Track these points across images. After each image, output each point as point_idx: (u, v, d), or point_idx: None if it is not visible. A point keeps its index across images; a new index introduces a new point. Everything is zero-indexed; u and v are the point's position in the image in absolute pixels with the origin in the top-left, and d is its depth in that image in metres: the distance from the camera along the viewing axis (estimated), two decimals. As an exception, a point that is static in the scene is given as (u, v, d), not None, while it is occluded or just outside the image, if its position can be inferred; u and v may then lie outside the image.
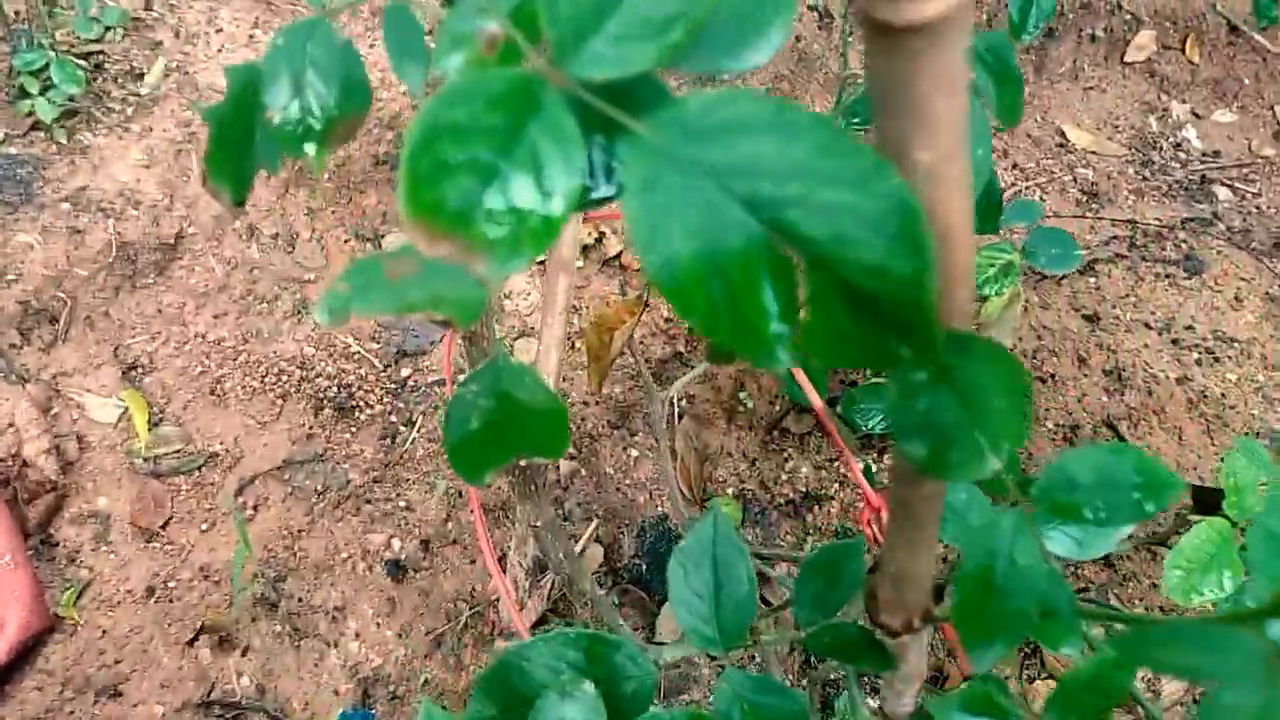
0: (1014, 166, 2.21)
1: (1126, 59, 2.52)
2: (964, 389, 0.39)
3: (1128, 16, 2.55)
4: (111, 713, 1.23)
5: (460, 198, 0.31)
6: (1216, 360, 1.58)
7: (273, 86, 0.47)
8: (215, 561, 1.46)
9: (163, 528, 1.50)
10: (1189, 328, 1.64)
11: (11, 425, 1.55)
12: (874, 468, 1.37)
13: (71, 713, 1.22)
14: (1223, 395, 1.53)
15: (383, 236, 1.91)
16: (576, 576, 1.06)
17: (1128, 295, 1.69)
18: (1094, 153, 2.32)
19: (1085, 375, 1.55)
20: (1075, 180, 2.21)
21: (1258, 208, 2.28)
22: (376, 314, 0.49)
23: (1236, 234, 2.15)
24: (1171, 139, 2.43)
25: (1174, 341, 1.62)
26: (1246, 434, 1.63)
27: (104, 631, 1.35)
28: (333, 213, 1.88)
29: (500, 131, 0.32)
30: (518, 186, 0.32)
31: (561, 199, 0.32)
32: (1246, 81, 2.56)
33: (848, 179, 0.30)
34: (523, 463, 0.95)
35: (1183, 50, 2.57)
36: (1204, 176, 2.35)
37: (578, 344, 1.67)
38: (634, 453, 1.53)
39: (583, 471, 1.47)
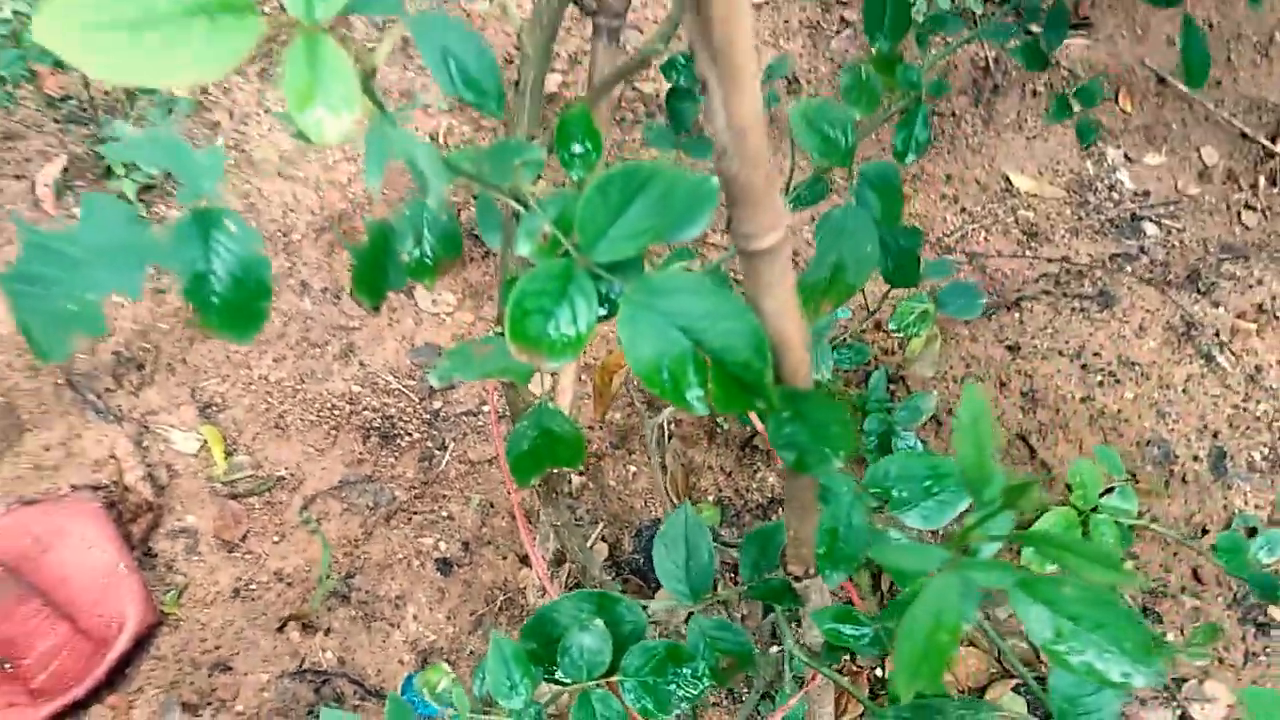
0: (962, 210, 2.52)
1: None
2: (810, 422, 0.69)
3: (1065, 72, 2.86)
4: (226, 681, 1.52)
5: (538, 328, 0.61)
6: (1118, 381, 1.87)
7: (404, 239, 0.78)
8: (287, 567, 1.76)
9: (242, 540, 1.79)
10: (1096, 354, 1.94)
11: (113, 457, 1.85)
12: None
13: (193, 683, 1.51)
14: (1119, 411, 1.82)
15: (413, 288, 2.22)
16: (588, 565, 1.35)
17: (1046, 327, 1.99)
18: (1035, 195, 2.62)
19: (1005, 397, 1.84)
20: (1017, 221, 2.52)
21: (1181, 241, 2.59)
22: (470, 379, 0.79)
23: (1159, 266, 2.45)
24: (1106, 181, 2.74)
25: (1083, 366, 1.91)
26: (1105, 445, 1.93)
27: (202, 624, 1.64)
28: (371, 268, 2.19)
29: (554, 292, 0.62)
30: (564, 321, 0.62)
31: (585, 326, 0.62)
32: (1174, 127, 2.87)
33: (730, 316, 0.60)
34: (551, 472, 1.25)
35: (1116, 100, 2.88)
36: (1134, 214, 2.66)
37: (583, 377, 1.97)
38: (632, 468, 1.83)
39: (590, 484, 1.76)
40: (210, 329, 0.60)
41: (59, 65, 1.93)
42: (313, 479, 1.89)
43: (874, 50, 1.07)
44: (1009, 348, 1.94)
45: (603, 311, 0.65)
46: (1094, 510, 1.19)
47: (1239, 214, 2.70)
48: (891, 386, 1.82)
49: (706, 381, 0.60)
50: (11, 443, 1.82)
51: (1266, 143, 2.85)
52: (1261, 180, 2.78)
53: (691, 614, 1.00)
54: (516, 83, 0.97)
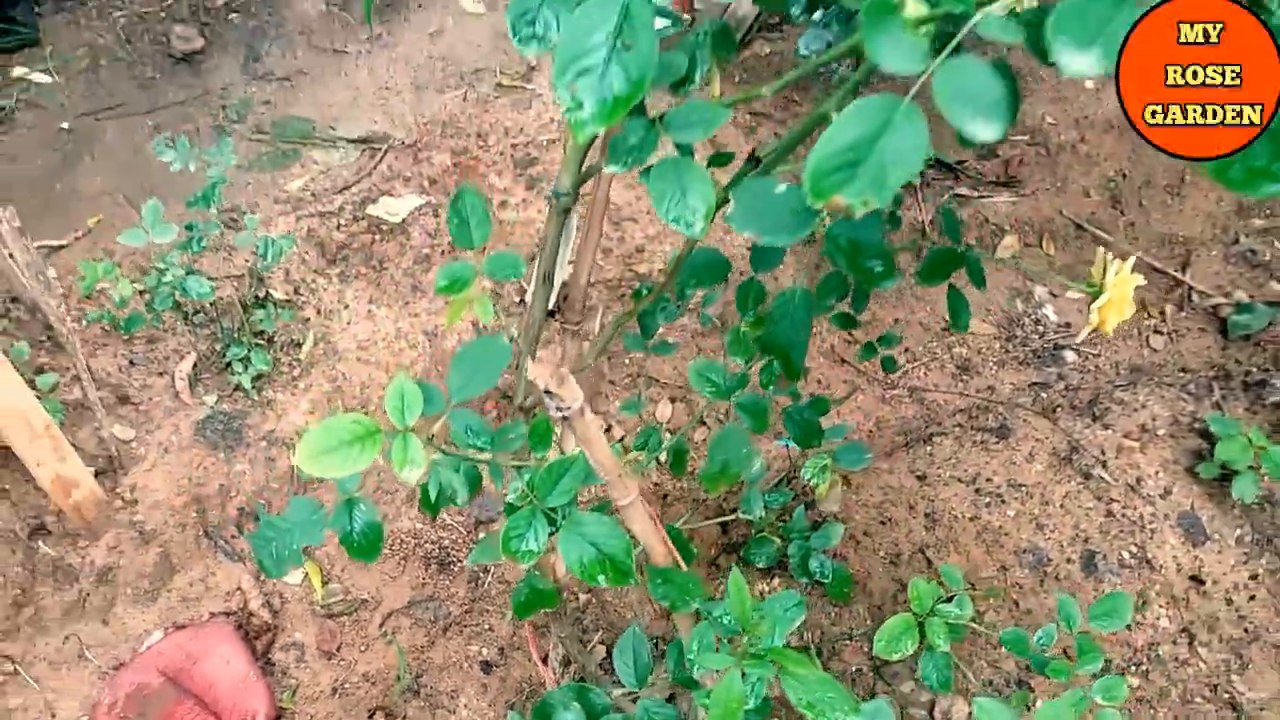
0: (905, 350, 3.06)
1: (997, 257, 3.37)
2: (674, 584, 1.25)
3: (994, 227, 3.43)
4: (333, 757, 2.08)
5: (516, 546, 1.18)
6: (1003, 501, 2.38)
7: (450, 490, 1.36)
8: (371, 671, 2.32)
9: (337, 650, 2.36)
10: (989, 479, 2.45)
11: (239, 589, 2.44)
12: (764, 591, 2.19)
13: (309, 759, 2.07)
14: (1000, 526, 2.32)
15: (462, 440, 2.81)
16: (587, 664, 1.89)
17: (950, 458, 2.51)
18: (971, 334, 3.16)
19: (912, 518, 2.36)
20: (952, 358, 3.06)
21: (1096, 366, 3.10)
22: (490, 561, 1.36)
23: (1071, 391, 2.96)
24: (1033, 316, 3.27)
25: (976, 490, 2.43)
26: (987, 555, 2.42)
27: (311, 716, 2.21)
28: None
29: (524, 525, 1.20)
30: (530, 540, 1.19)
31: (542, 544, 1.19)
32: (1094, 263, 3.40)
33: (615, 537, 1.17)
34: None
35: (1040, 246, 3.43)
36: (1056, 344, 3.18)
37: (595, 511, 2.53)
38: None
39: (593, 600, 2.30)
40: (353, 557, 1.18)
41: (192, 296, 2.58)
42: (388, 600, 2.46)
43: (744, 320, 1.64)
44: (918, 477, 2.46)
45: (552, 529, 1.22)
46: (930, 614, 1.70)
47: (1148, 338, 3.21)
48: (823, 514, 2.35)
49: (606, 571, 1.16)
50: (166, 581, 2.42)
51: (1176, 273, 3.37)
52: (1169, 307, 3.29)
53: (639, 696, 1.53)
54: (517, 365, 1.56)
